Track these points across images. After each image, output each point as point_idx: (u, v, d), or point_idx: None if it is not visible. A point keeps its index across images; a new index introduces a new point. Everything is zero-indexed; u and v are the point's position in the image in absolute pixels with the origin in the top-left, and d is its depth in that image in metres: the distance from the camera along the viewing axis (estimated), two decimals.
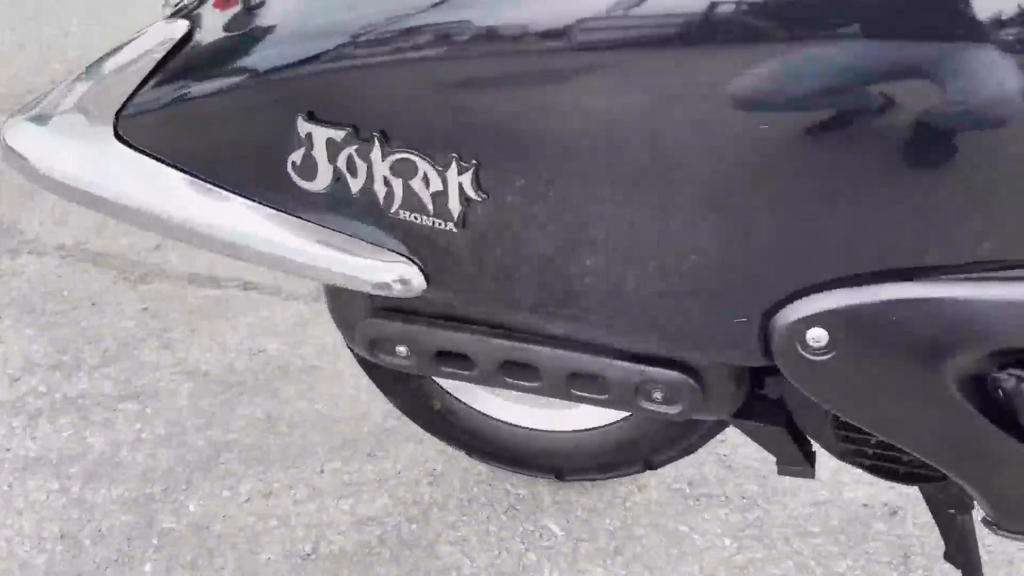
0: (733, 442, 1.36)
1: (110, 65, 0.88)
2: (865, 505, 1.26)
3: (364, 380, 1.41)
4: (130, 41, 0.88)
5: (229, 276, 1.80)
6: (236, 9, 0.84)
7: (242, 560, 1.16)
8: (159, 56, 0.85)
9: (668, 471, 1.30)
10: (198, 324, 1.65)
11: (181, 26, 0.85)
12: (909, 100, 0.63)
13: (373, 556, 1.17)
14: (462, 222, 0.75)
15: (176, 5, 0.92)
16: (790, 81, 0.64)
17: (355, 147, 0.75)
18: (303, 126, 0.76)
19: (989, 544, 1.20)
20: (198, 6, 0.87)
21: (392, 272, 0.80)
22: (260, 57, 0.79)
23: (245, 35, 0.81)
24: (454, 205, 0.74)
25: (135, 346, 1.58)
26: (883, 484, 1.29)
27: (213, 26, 0.84)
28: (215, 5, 0.86)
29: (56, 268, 1.83)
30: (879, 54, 0.62)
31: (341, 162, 0.76)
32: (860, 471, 1.29)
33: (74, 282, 1.78)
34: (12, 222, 1.99)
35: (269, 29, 0.80)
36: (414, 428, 1.37)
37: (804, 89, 0.64)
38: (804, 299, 0.69)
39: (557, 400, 0.99)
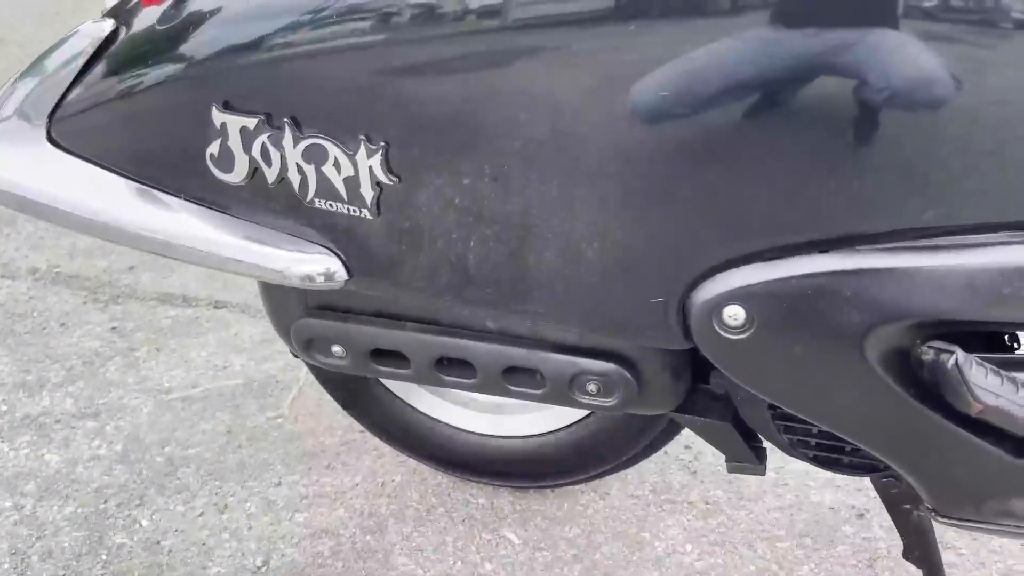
0: (698, 448, 1.33)
1: (42, 68, 0.89)
2: (832, 508, 1.22)
3: (327, 395, 1.39)
4: (61, 43, 0.89)
5: (200, 295, 1.80)
6: (163, 6, 0.84)
7: (191, 574, 1.13)
8: (87, 57, 0.85)
9: (631, 477, 1.28)
10: (165, 342, 1.63)
11: (106, 26, 0.85)
12: (824, 77, 0.62)
13: (325, 568, 1.14)
14: (376, 209, 0.74)
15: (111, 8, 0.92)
16: (706, 58, 0.64)
17: (267, 135, 0.74)
18: (218, 116, 0.75)
19: (960, 547, 1.17)
20: (127, 4, 0.87)
21: (315, 264, 0.79)
22: (178, 52, 0.79)
23: (165, 31, 0.81)
24: (367, 191, 0.73)
25: (100, 364, 1.57)
26: (851, 487, 1.26)
27: (137, 24, 0.84)
28: (144, 3, 0.86)
29: (28, 291, 1.83)
30: (798, 30, 0.62)
31: (256, 151, 0.75)
32: (828, 474, 1.27)
33: (45, 304, 1.77)
34: None
35: (188, 25, 0.80)
36: (374, 442, 1.35)
37: (720, 66, 0.63)
38: (718, 276, 0.68)
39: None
